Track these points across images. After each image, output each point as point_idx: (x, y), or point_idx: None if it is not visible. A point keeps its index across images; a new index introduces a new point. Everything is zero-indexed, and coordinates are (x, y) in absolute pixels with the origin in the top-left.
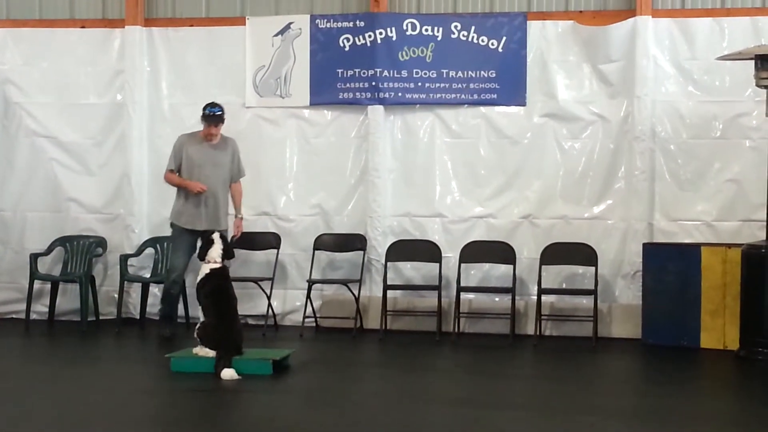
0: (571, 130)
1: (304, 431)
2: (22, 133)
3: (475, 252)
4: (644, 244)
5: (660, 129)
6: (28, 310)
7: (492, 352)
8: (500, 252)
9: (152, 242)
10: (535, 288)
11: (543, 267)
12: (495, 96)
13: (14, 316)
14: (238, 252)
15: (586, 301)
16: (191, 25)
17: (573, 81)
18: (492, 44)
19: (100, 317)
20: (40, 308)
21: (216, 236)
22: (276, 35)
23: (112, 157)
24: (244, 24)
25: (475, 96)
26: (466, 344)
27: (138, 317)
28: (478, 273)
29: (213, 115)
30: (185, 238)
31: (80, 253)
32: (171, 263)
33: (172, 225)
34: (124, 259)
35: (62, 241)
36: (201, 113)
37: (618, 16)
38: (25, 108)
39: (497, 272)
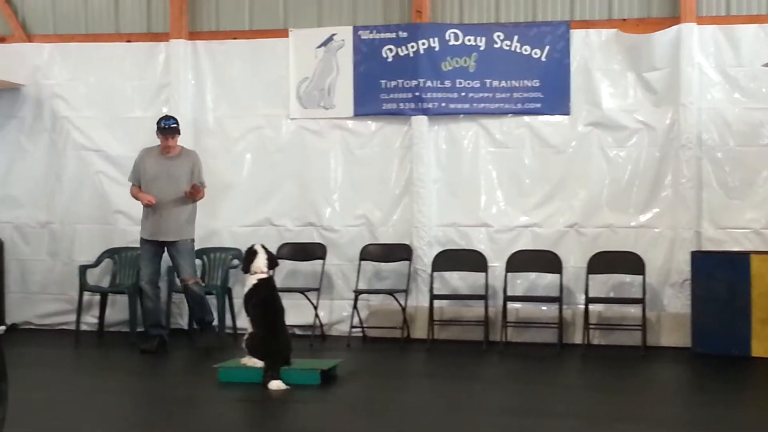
0: (617, 139)
1: None
2: (70, 146)
3: (522, 261)
4: (692, 253)
5: (706, 137)
6: (78, 322)
7: (539, 362)
8: (546, 261)
9: (199, 254)
10: (583, 297)
11: (590, 276)
12: (539, 105)
13: (65, 327)
14: (284, 263)
15: (634, 310)
16: (235, 38)
17: (617, 89)
18: (535, 53)
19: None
20: (90, 319)
21: (258, 247)
22: (319, 47)
23: None
24: (287, 36)
25: (519, 105)
26: (513, 353)
27: (186, 328)
28: (524, 282)
29: (168, 127)
30: (147, 248)
31: (128, 264)
32: (141, 273)
33: (140, 237)
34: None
35: (110, 252)
36: (156, 126)
37: (662, 24)
38: (72, 122)
39: (543, 281)
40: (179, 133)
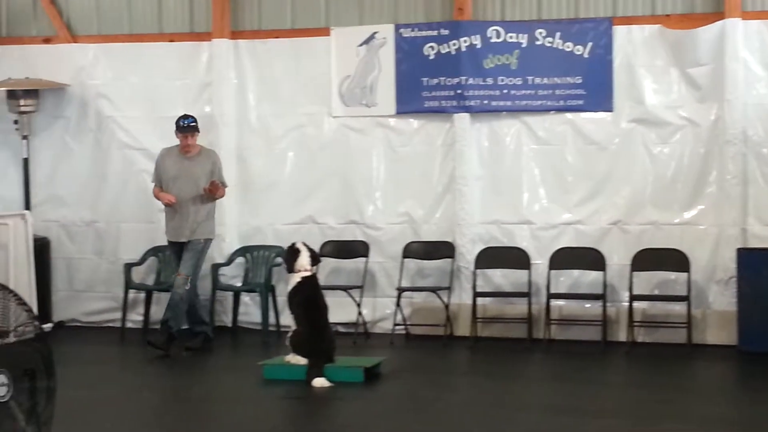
0: (660, 135)
1: None
2: (115, 146)
3: (565, 258)
4: (738, 250)
5: (751, 132)
6: (123, 319)
7: (583, 359)
8: (590, 258)
9: (243, 251)
10: (627, 294)
11: (634, 273)
12: (581, 102)
13: (111, 324)
14: (327, 260)
15: (679, 308)
16: (277, 37)
17: (661, 86)
18: (578, 50)
19: None
20: (135, 317)
21: (300, 244)
22: (361, 45)
23: None
24: (329, 34)
25: (562, 102)
26: (556, 351)
27: (230, 325)
28: (567, 280)
29: (187, 125)
30: (173, 250)
31: (172, 262)
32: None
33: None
34: (215, 268)
35: (155, 251)
36: (175, 124)
37: (706, 19)
38: (116, 121)
39: (587, 279)
40: (198, 132)
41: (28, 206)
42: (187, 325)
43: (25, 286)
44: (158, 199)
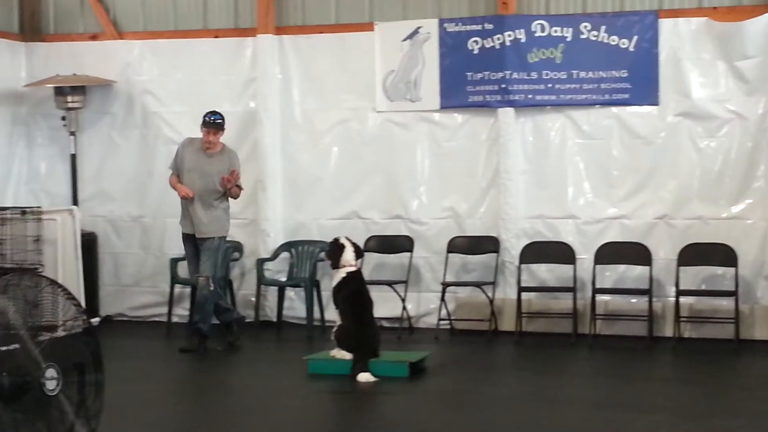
0: (707, 129)
1: None
2: (160, 141)
3: (610, 253)
4: None
5: None
6: (169, 314)
7: (629, 355)
8: (635, 253)
9: (287, 246)
10: (673, 289)
11: (680, 268)
12: (627, 96)
13: (157, 319)
14: (371, 255)
15: (727, 303)
16: (321, 32)
17: (708, 79)
18: (623, 43)
19: None
20: (181, 311)
21: (344, 240)
22: (405, 40)
23: (247, 164)
24: (373, 29)
25: (607, 96)
26: (602, 346)
27: (275, 320)
28: (613, 274)
29: (213, 122)
30: (188, 244)
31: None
32: (188, 270)
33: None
34: (260, 263)
35: None
36: (202, 119)
37: (754, 11)
38: (162, 117)
39: (633, 273)
40: (223, 131)
41: (75, 202)
42: (216, 320)
43: (73, 281)
44: (174, 189)
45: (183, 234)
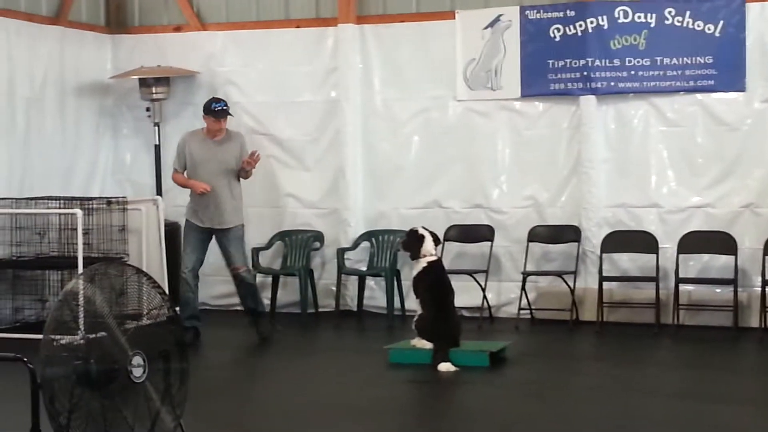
0: None
1: (522, 423)
2: (242, 131)
3: (694, 242)
4: None
5: None
6: None
7: (714, 345)
8: (720, 242)
9: (368, 236)
10: (759, 279)
11: (767, 257)
12: (712, 82)
13: (239, 308)
14: (452, 244)
15: None
16: (402, 21)
17: None
18: (708, 29)
19: (319, 309)
20: (263, 300)
21: (422, 230)
22: (486, 28)
23: (328, 153)
24: (454, 18)
25: (691, 83)
26: (686, 337)
27: (355, 309)
28: (697, 264)
29: (222, 109)
30: (194, 235)
31: (299, 247)
32: (183, 262)
33: (186, 221)
34: (341, 252)
35: (281, 235)
36: (204, 109)
37: None
38: (244, 107)
39: (717, 263)
40: (229, 116)
41: (159, 192)
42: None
43: (157, 270)
44: (185, 185)
45: (193, 225)
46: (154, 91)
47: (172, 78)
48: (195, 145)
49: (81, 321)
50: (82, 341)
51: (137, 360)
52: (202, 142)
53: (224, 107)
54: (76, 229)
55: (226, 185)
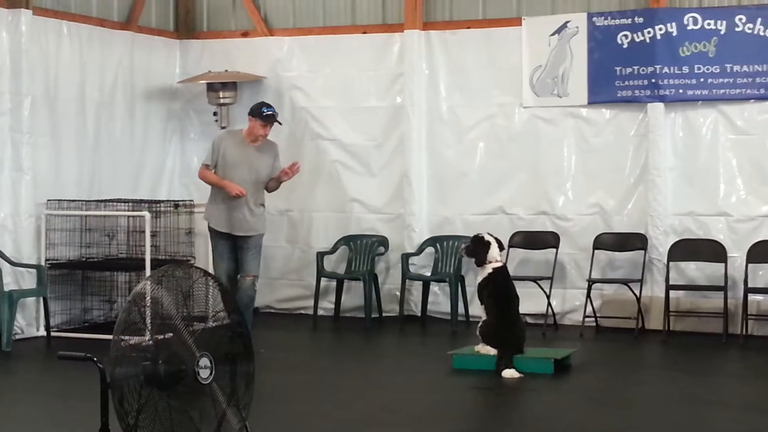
0: None
1: (586, 431)
2: (308, 136)
3: (764, 252)
4: None
5: None
6: (315, 307)
7: None
8: None
9: (432, 241)
10: None
11: None
12: None
13: (303, 311)
14: (516, 251)
15: None
16: (468, 27)
17: None
18: None
19: (383, 314)
20: (327, 305)
21: (488, 236)
22: (552, 35)
23: (393, 159)
24: (520, 24)
25: (762, 91)
26: (754, 347)
27: (419, 315)
28: (766, 274)
29: (271, 114)
30: (222, 242)
31: (363, 252)
32: (215, 272)
33: (209, 227)
34: (405, 257)
35: (346, 240)
36: (252, 111)
37: None
38: (310, 112)
39: None
40: (277, 123)
41: None
42: None
43: None
44: (216, 184)
45: (216, 231)
46: (221, 96)
47: (239, 83)
48: (231, 146)
49: (149, 322)
50: (150, 342)
51: (204, 361)
52: (239, 144)
53: (274, 113)
54: (144, 232)
55: (254, 193)
